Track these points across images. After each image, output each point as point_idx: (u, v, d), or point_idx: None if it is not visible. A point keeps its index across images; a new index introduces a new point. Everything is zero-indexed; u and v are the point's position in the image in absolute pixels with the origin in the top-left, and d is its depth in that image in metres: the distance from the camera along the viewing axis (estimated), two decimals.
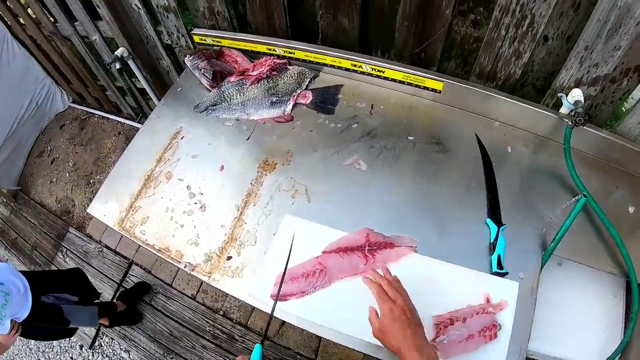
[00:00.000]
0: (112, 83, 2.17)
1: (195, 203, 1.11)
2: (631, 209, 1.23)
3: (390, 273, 0.87)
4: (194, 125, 1.28)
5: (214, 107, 1.28)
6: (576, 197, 1.08)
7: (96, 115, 2.70)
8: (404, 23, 1.16)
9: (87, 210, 1.19)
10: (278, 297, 0.91)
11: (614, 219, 1.20)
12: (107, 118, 2.64)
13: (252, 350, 0.76)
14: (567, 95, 1.14)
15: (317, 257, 0.98)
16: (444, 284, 0.99)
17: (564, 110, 1.17)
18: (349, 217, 1.03)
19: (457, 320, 0.95)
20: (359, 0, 1.16)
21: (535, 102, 1.18)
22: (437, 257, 1.01)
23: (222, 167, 1.16)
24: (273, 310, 0.87)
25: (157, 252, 1.06)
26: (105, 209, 1.18)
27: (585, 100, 1.11)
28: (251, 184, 1.12)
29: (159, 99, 1.90)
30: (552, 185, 1.18)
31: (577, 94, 1.11)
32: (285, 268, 0.94)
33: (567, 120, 1.16)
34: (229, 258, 1.01)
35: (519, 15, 1.01)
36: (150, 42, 1.66)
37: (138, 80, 1.74)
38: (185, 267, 1.01)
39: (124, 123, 2.56)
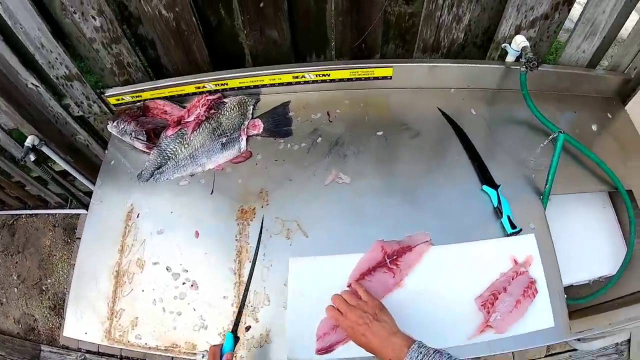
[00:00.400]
0: (28, 175, 1.90)
1: (184, 283, 0.98)
2: (594, 127, 1.29)
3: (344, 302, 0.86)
4: (145, 198, 1.12)
5: (160, 169, 1.13)
6: (552, 136, 1.10)
7: (23, 216, 2.38)
8: (338, 19, 1.10)
9: (64, 334, 1.01)
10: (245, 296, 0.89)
11: (582, 141, 1.24)
12: (36, 215, 2.33)
13: None
14: (510, 44, 1.15)
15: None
16: (470, 264, 0.98)
17: (510, 58, 1.19)
18: (354, 236, 0.97)
19: (499, 293, 0.95)
20: (284, 8, 1.08)
21: (481, 59, 1.18)
22: (453, 241, 0.98)
23: (197, 233, 1.03)
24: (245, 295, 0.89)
25: (164, 352, 0.92)
26: (83, 326, 1.00)
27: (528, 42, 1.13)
28: (236, 240, 1.01)
29: (87, 177, 1.70)
30: (523, 131, 1.19)
31: (521, 40, 1.13)
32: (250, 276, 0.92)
33: (516, 67, 1.17)
34: (248, 328, 0.90)
35: None
36: (59, 119, 1.45)
37: (56, 163, 1.52)
38: (203, 357, 0.88)
39: (56, 214, 2.28)
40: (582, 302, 1.30)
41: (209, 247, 1.01)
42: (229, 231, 1.02)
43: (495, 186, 1.05)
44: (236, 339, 0.80)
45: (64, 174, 1.70)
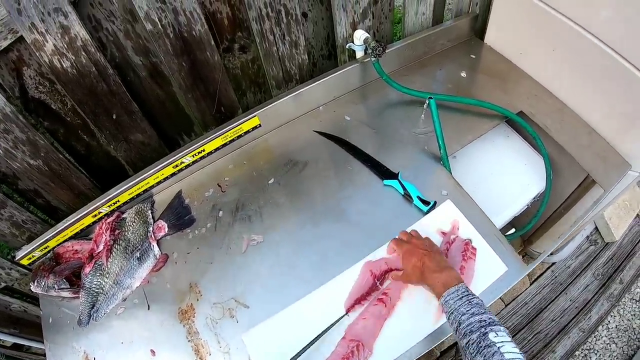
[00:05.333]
0: None
1: None
2: (463, 74, 1.35)
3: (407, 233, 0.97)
4: (93, 340, 1.10)
5: (94, 308, 1.11)
6: (426, 104, 1.14)
7: None
8: (188, 96, 1.13)
9: None
10: None
11: (458, 91, 1.30)
12: None
13: None
14: (353, 42, 1.20)
15: (342, 337, 0.91)
16: None
17: (359, 54, 1.24)
18: (290, 284, 0.98)
19: None
20: (136, 109, 1.10)
21: (334, 67, 1.23)
22: (381, 244, 1.00)
23: (153, 352, 1.02)
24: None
25: None
26: None
27: (369, 33, 1.18)
28: (189, 340, 1.00)
29: (39, 340, 1.65)
30: (401, 112, 1.24)
31: (360, 35, 1.18)
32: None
33: (367, 60, 1.22)
34: None
35: (273, 14, 1.05)
36: None
37: (3, 341, 1.48)
38: None
39: None
40: (529, 227, 1.35)
41: (168, 359, 1.01)
42: (179, 336, 1.01)
43: (394, 176, 1.09)
44: None
45: (17, 346, 1.64)
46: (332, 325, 0.90)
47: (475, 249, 1.00)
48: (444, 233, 1.03)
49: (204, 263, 1.05)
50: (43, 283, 1.18)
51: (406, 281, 0.92)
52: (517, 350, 0.61)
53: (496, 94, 1.28)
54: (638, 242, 1.90)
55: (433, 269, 0.82)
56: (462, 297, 0.74)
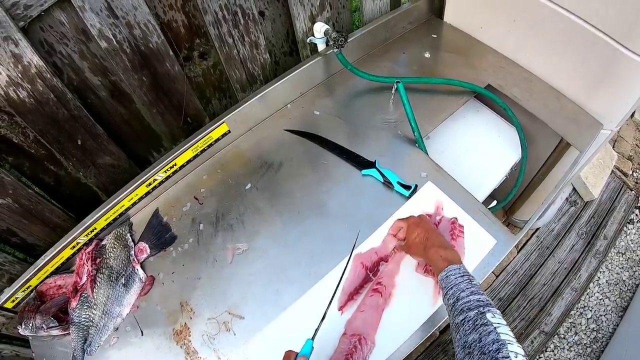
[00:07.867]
0: None
1: None
2: (427, 55, 1.35)
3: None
4: None
5: (87, 342, 1.08)
6: (394, 88, 1.14)
7: None
8: (152, 111, 1.09)
9: None
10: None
11: (424, 73, 1.30)
12: None
13: None
14: (314, 35, 1.19)
15: (343, 333, 0.90)
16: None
17: (321, 47, 1.23)
18: (283, 289, 0.97)
19: None
20: (100, 132, 1.06)
21: (297, 63, 1.21)
22: (371, 232, 1.00)
23: None
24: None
25: None
26: None
27: (329, 24, 1.17)
28: None
29: None
30: (370, 99, 1.24)
31: (320, 27, 1.17)
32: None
33: (330, 51, 1.21)
34: None
35: (230, 16, 1.03)
36: None
37: None
38: None
39: None
40: (510, 197, 1.37)
41: None
42: (177, 358, 0.98)
43: (372, 164, 1.08)
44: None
45: None
46: (322, 319, 0.86)
47: (462, 226, 1.01)
48: (429, 215, 1.03)
49: (192, 279, 1.03)
50: (31, 324, 1.13)
51: (407, 252, 0.93)
52: (511, 334, 0.61)
53: (462, 71, 1.29)
54: (616, 198, 1.96)
55: (437, 245, 0.82)
56: (464, 275, 0.74)
